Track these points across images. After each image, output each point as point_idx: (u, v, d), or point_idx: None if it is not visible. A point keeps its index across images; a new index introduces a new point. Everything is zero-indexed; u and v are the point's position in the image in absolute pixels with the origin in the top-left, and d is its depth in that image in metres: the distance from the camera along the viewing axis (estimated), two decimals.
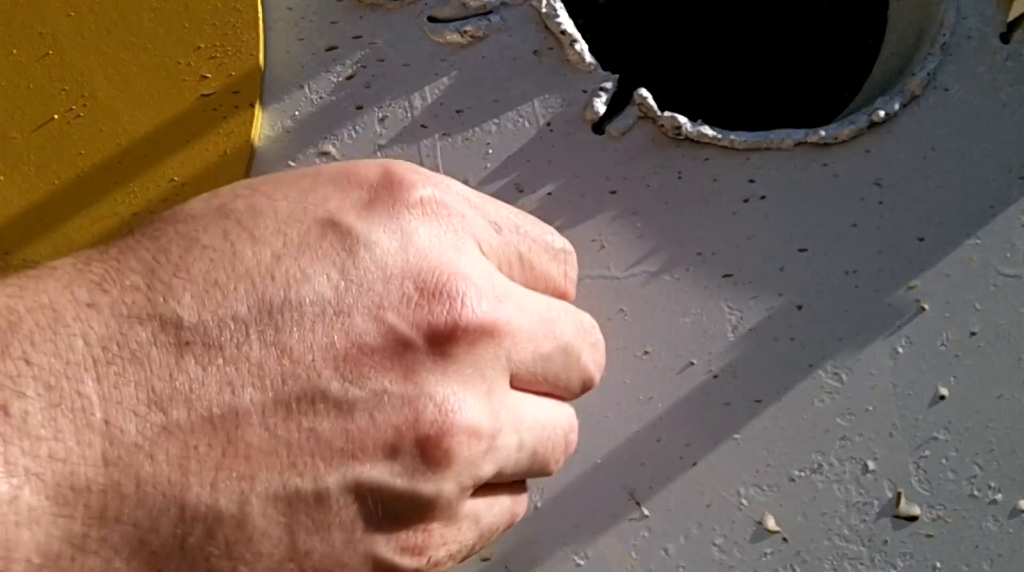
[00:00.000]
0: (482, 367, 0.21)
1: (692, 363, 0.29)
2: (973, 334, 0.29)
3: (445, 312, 0.20)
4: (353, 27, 0.30)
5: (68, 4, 0.29)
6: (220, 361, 0.18)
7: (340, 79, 0.30)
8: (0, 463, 0.16)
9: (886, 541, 0.28)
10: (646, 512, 0.28)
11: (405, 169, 0.22)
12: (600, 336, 0.25)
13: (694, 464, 0.29)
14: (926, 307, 0.29)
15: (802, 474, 0.29)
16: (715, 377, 0.29)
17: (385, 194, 0.21)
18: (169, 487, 0.17)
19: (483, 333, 0.21)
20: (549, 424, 0.23)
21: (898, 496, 0.29)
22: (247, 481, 0.18)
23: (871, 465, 0.29)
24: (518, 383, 0.22)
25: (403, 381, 0.20)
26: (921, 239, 0.30)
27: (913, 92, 0.30)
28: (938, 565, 0.28)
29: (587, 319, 0.25)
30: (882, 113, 0.30)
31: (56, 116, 0.29)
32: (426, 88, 0.30)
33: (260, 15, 0.29)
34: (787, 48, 0.47)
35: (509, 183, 0.29)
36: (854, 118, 0.30)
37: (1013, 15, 0.30)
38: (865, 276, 0.29)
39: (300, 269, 0.19)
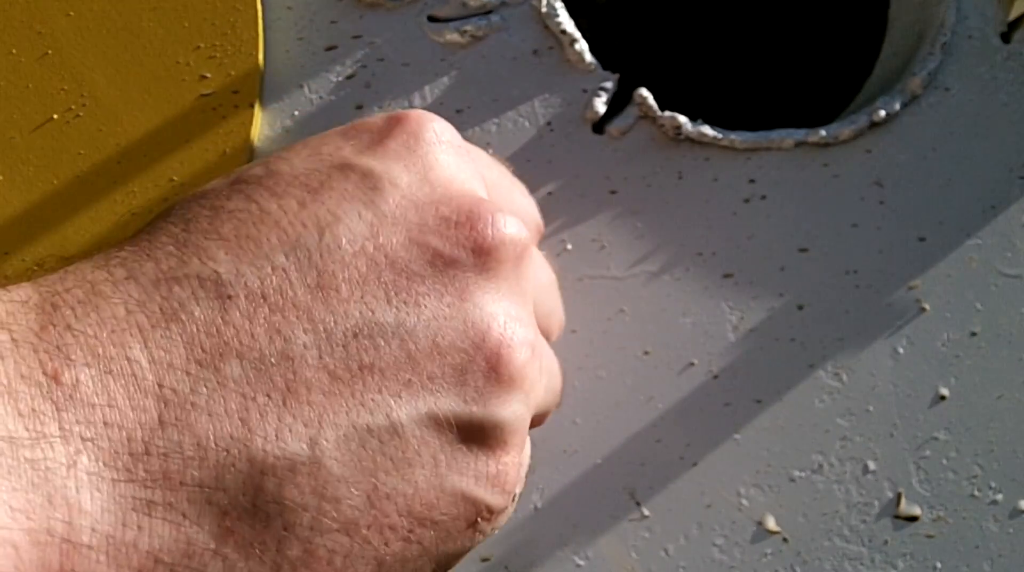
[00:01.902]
0: (524, 287, 0.21)
1: (692, 363, 0.29)
2: (974, 334, 0.29)
3: (488, 229, 0.20)
4: (353, 26, 0.30)
5: (67, 4, 0.29)
6: (266, 310, 0.18)
7: (340, 79, 0.30)
8: (55, 430, 0.16)
9: (886, 541, 0.28)
10: (646, 512, 0.28)
11: (410, 111, 0.22)
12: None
13: (694, 464, 0.29)
14: (927, 307, 0.29)
15: (802, 474, 0.29)
16: (715, 377, 0.29)
17: (397, 131, 0.21)
18: (232, 443, 0.17)
19: (523, 252, 0.21)
20: (556, 363, 0.24)
21: (898, 496, 0.29)
22: (314, 426, 0.17)
23: (871, 465, 0.29)
24: None
25: (459, 301, 0.19)
26: (922, 239, 0.30)
27: (914, 92, 0.30)
28: (938, 565, 0.28)
29: None
30: (883, 113, 0.30)
31: (55, 116, 0.29)
32: (426, 88, 0.30)
33: (260, 14, 0.29)
34: (787, 48, 0.47)
35: None
36: (855, 118, 0.30)
37: (1014, 15, 0.30)
38: (866, 276, 0.29)
39: (329, 211, 0.19)
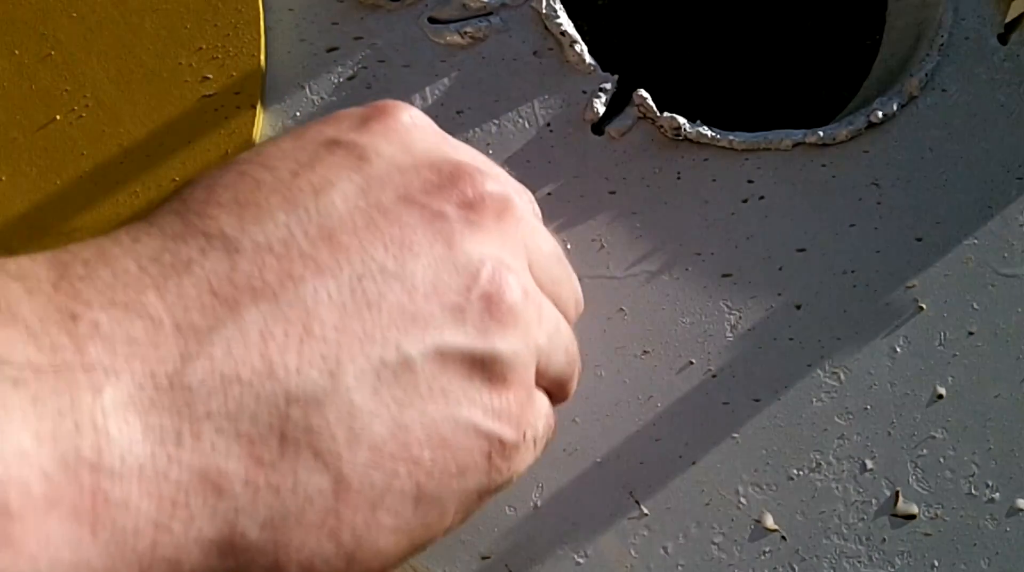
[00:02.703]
0: (509, 241, 0.22)
1: (691, 363, 0.29)
2: (971, 333, 0.29)
3: (468, 187, 0.21)
4: (354, 28, 0.30)
5: (70, 5, 0.29)
6: (273, 260, 0.18)
7: (341, 80, 0.30)
8: (78, 362, 0.16)
9: (884, 539, 0.29)
10: (645, 511, 0.29)
11: (387, 101, 0.23)
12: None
13: (693, 463, 0.29)
14: (924, 307, 0.29)
15: (801, 473, 0.29)
16: (714, 376, 0.29)
17: (376, 115, 0.23)
18: (255, 375, 0.17)
19: (505, 207, 0.22)
20: (566, 325, 0.24)
21: (896, 495, 0.29)
22: (332, 360, 0.18)
23: (869, 464, 0.29)
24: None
25: (449, 249, 0.20)
26: (919, 239, 0.30)
27: (911, 93, 0.30)
28: (936, 563, 0.29)
29: None
30: (880, 114, 0.30)
31: (58, 117, 0.29)
32: (426, 89, 0.30)
33: (261, 16, 0.29)
34: (786, 48, 0.48)
35: None
36: (852, 119, 0.30)
37: (1011, 16, 0.30)
38: (863, 276, 0.30)
39: (321, 177, 0.20)
